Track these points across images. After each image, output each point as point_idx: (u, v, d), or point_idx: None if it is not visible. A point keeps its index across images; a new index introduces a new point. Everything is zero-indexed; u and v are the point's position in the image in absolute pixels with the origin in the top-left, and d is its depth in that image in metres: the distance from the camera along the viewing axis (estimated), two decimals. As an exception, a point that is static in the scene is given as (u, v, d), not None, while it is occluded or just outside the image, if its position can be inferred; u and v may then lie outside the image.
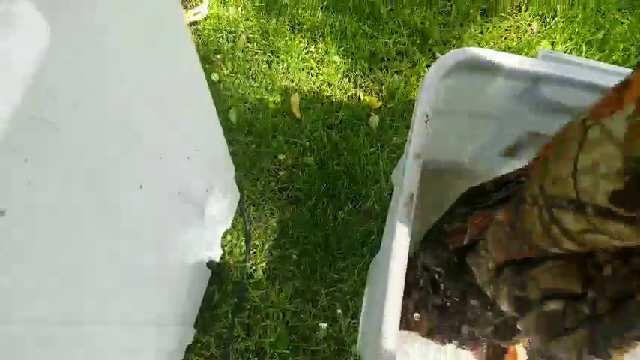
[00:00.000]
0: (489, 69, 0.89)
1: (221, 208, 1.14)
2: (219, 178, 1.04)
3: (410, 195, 0.77)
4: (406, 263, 0.73)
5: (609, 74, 0.83)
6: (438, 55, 1.44)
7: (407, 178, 0.78)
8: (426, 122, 0.83)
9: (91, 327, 0.65)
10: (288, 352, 1.13)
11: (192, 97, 0.80)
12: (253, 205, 1.30)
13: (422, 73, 1.41)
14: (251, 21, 1.51)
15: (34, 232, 0.45)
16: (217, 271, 1.20)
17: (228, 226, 1.26)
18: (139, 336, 0.87)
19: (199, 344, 1.14)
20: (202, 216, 0.98)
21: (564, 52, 1.36)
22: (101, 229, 0.60)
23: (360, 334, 1.13)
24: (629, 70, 0.53)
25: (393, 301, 0.69)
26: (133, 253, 0.74)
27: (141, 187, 0.67)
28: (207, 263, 1.16)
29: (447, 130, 1.05)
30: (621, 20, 1.56)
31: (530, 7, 1.57)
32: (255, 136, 1.37)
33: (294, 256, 1.24)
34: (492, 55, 0.87)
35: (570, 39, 1.53)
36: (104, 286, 0.66)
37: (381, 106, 1.39)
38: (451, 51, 0.87)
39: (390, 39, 1.46)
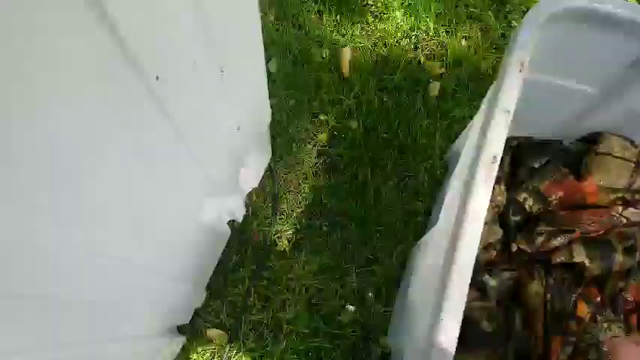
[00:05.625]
0: (606, 21, 0.71)
1: (252, 162, 1.00)
2: (254, 125, 0.90)
3: (493, 156, 0.62)
4: (478, 244, 0.59)
5: None
6: (515, 24, 1.25)
7: (492, 135, 0.63)
8: (520, 72, 0.67)
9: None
10: (307, 331, 0.99)
11: (244, 29, 0.67)
12: (285, 167, 1.15)
13: (494, 42, 1.24)
14: (306, -36, 1.35)
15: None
16: (238, 232, 1.06)
17: (255, 185, 1.12)
18: (141, 284, 0.74)
19: (209, 309, 1.01)
20: (235, 165, 0.84)
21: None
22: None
23: (391, 325, 0.98)
24: None
25: (455, 300, 0.54)
26: (156, 192, 0.61)
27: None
28: (228, 222, 1.03)
29: (530, 96, 0.87)
30: None
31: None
32: (296, 91, 1.21)
33: (325, 228, 1.09)
34: (615, 3, 0.70)
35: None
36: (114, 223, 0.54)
37: (443, 74, 1.22)
38: (560, -7, 0.69)
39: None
